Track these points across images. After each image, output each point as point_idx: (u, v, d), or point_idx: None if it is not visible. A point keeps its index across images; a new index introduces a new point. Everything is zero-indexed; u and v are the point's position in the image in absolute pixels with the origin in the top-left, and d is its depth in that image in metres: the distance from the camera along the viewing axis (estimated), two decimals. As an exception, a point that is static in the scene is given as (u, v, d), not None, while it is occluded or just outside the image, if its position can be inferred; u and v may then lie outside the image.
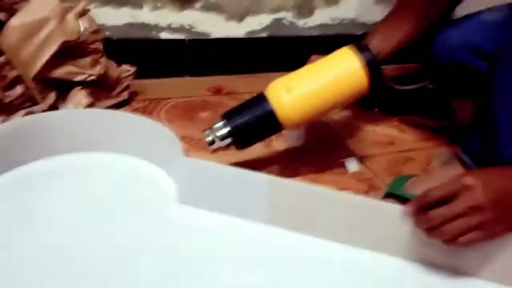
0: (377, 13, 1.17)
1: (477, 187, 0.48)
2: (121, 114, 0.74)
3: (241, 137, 0.67)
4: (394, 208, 0.55)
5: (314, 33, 1.21)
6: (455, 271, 0.55)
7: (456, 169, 0.68)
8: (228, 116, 0.66)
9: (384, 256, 0.57)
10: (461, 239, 0.49)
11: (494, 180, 0.49)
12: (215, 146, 0.66)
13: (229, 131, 0.65)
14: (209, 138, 0.66)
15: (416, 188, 0.65)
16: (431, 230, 0.50)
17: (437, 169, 0.74)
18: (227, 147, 0.67)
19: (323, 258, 0.56)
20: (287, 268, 0.54)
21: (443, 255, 0.55)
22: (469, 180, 0.49)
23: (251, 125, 0.65)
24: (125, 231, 0.58)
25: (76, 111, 0.79)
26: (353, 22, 1.23)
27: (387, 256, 0.57)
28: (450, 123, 0.94)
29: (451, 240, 0.49)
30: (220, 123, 0.66)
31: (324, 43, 1.17)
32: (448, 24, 0.77)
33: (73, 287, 0.49)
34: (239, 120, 0.65)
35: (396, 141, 0.89)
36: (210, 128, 0.66)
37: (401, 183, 0.69)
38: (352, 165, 0.78)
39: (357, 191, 0.71)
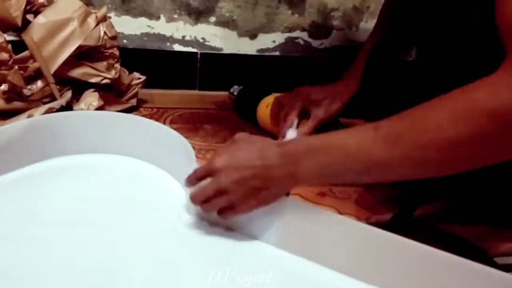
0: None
1: (221, 170, 0.51)
2: (137, 119, 0.74)
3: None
4: (412, 245, 0.50)
5: (329, 55, 1.22)
6: None
7: None
8: None
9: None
10: (218, 215, 0.54)
11: (241, 158, 0.51)
12: None
13: None
14: None
15: None
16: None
17: None
18: None
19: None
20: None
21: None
22: (217, 162, 0.52)
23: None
24: (127, 237, 0.57)
25: (89, 112, 0.80)
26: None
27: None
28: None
29: (215, 213, 0.54)
30: None
31: (337, 66, 1.17)
32: None
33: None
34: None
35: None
36: None
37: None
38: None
39: (359, 218, 0.71)
